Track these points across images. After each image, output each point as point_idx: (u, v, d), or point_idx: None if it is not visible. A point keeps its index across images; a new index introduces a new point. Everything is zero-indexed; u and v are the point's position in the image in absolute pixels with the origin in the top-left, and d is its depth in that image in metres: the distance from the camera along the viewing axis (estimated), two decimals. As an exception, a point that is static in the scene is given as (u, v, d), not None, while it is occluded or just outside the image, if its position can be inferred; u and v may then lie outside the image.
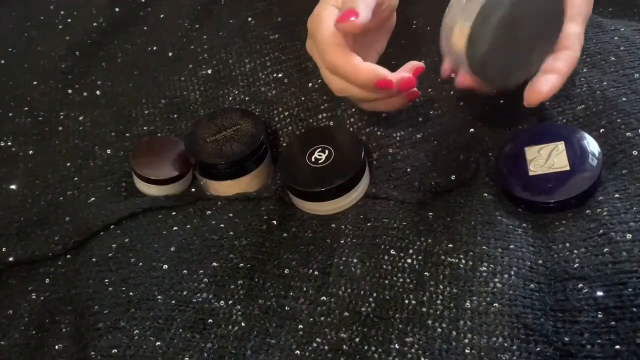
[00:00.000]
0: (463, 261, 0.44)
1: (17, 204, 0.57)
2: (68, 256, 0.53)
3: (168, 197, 0.56)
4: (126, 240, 0.52)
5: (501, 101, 0.54)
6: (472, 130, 0.53)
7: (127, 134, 0.61)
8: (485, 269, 0.43)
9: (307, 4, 0.64)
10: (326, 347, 0.43)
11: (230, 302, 0.46)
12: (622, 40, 0.54)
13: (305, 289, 0.46)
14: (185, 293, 0.47)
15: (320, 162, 0.51)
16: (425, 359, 0.41)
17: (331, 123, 0.56)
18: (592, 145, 0.47)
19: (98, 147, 0.61)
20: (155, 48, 0.68)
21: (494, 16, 0.43)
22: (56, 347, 0.47)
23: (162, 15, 0.71)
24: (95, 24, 0.70)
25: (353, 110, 0.56)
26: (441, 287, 0.43)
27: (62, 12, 0.73)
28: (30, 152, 0.61)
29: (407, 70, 0.48)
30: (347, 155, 0.51)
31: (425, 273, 0.44)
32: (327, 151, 0.52)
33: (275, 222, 0.51)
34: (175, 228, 0.53)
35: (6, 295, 0.52)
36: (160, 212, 0.54)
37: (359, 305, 0.44)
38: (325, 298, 0.45)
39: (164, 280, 0.48)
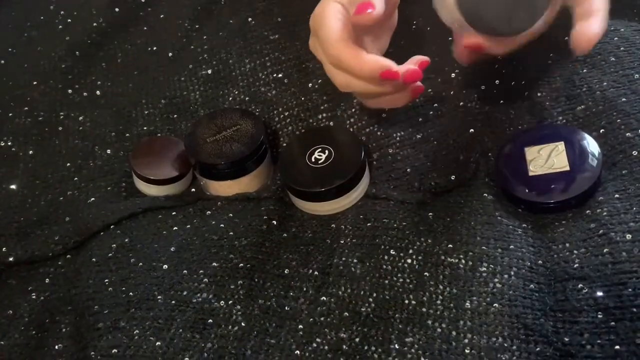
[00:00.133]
0: (463, 261, 0.44)
1: (17, 204, 0.57)
2: (68, 256, 0.53)
3: (168, 197, 0.56)
4: (126, 240, 0.52)
5: (501, 101, 0.54)
6: (472, 130, 0.53)
7: (127, 134, 0.61)
8: (485, 269, 0.43)
9: (307, 4, 0.64)
10: (326, 347, 0.43)
11: (230, 302, 0.46)
12: (622, 41, 0.54)
13: (305, 289, 0.46)
14: (185, 293, 0.47)
15: (320, 162, 0.51)
16: (425, 359, 0.41)
17: (331, 123, 0.56)
18: (592, 145, 0.47)
19: (98, 147, 0.61)
20: (155, 48, 0.68)
21: None
22: (56, 347, 0.47)
23: (162, 16, 0.71)
24: (95, 24, 0.70)
25: (353, 110, 0.56)
26: (441, 287, 0.43)
27: (62, 12, 0.73)
28: (30, 152, 0.61)
29: (413, 63, 0.48)
30: (347, 156, 0.51)
31: (425, 273, 0.44)
32: (327, 151, 0.52)
33: (275, 222, 0.51)
34: (175, 228, 0.53)
35: (6, 295, 0.52)
36: (160, 212, 0.54)
37: (359, 305, 0.44)
38: (325, 298, 0.45)
39: (164, 280, 0.48)
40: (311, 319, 0.45)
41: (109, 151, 0.60)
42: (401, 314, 0.43)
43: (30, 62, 0.69)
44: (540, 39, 0.47)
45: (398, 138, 0.54)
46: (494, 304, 0.41)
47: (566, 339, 0.40)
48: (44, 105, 0.64)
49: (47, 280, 0.52)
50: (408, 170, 0.52)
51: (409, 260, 0.46)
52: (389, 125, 0.54)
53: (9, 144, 0.62)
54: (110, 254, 0.51)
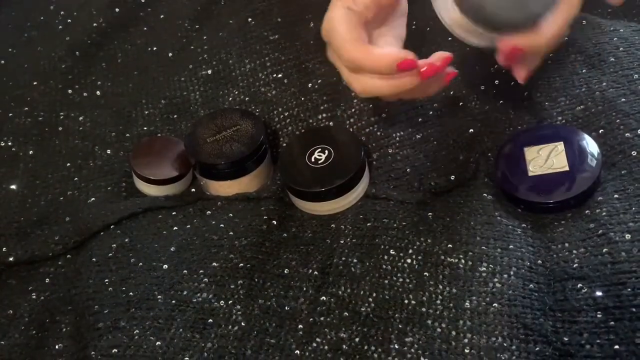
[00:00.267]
0: (462, 261, 0.44)
1: (17, 204, 0.57)
2: (68, 256, 0.53)
3: (168, 197, 0.56)
4: (126, 240, 0.52)
5: (501, 102, 0.54)
6: (471, 130, 0.53)
7: (127, 134, 0.61)
8: (484, 269, 0.43)
9: (306, 5, 0.64)
10: (326, 347, 0.43)
11: (230, 302, 0.46)
12: (621, 41, 0.54)
13: (305, 289, 0.46)
14: (185, 293, 0.47)
15: (320, 162, 0.51)
16: (424, 358, 0.41)
17: (331, 123, 0.56)
18: (591, 145, 0.47)
19: (98, 147, 0.61)
20: (155, 48, 0.68)
21: None
22: (56, 346, 0.47)
23: (162, 16, 0.71)
24: (95, 24, 0.70)
25: (353, 110, 0.56)
26: (441, 287, 0.43)
27: (62, 13, 0.73)
28: (30, 152, 0.61)
29: (435, 59, 0.46)
30: (347, 156, 0.51)
31: (425, 273, 0.44)
32: (326, 151, 0.52)
33: (275, 222, 0.51)
34: (175, 228, 0.53)
35: (6, 295, 0.52)
36: (160, 212, 0.54)
37: (359, 305, 0.44)
38: (325, 298, 0.45)
39: (164, 280, 0.48)
40: (311, 319, 0.45)
41: (109, 151, 0.60)
42: (401, 313, 0.43)
43: (30, 62, 0.69)
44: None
45: (398, 138, 0.54)
46: (494, 304, 0.41)
47: (565, 339, 0.40)
48: (44, 106, 0.64)
49: (47, 280, 0.52)
50: (408, 170, 0.52)
51: (409, 260, 0.46)
52: (388, 125, 0.54)
53: (9, 144, 0.62)
54: (110, 254, 0.51)
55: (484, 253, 0.44)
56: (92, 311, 0.47)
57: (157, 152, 0.57)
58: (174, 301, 0.46)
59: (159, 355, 0.43)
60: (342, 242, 0.48)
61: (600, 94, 0.51)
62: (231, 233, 0.50)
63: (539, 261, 0.44)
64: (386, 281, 0.45)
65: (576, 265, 0.43)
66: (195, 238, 0.51)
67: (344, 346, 0.43)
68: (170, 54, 0.66)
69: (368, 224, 0.49)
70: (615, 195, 0.45)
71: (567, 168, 0.47)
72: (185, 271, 0.48)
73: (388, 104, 0.55)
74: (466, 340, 0.40)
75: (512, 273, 0.43)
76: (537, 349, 0.40)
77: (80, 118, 0.63)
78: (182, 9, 0.70)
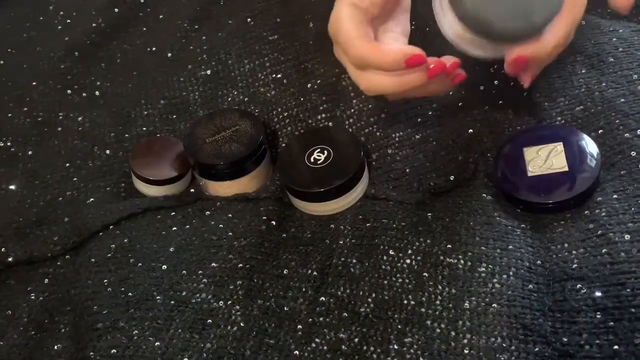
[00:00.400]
0: (462, 262, 0.44)
1: (16, 205, 0.57)
2: (67, 256, 0.53)
3: (167, 198, 0.56)
4: (125, 240, 0.52)
5: (500, 102, 0.54)
6: (471, 130, 0.53)
7: (126, 135, 0.61)
8: (484, 269, 0.43)
9: (305, 5, 0.64)
10: (325, 348, 0.43)
11: (229, 302, 0.46)
12: (621, 41, 0.54)
13: (304, 290, 0.46)
14: (184, 293, 0.47)
15: (319, 162, 0.51)
16: (424, 359, 0.41)
17: (330, 124, 0.56)
18: (590, 146, 0.47)
19: (97, 148, 0.61)
20: (154, 49, 0.68)
21: None
22: (55, 347, 0.47)
23: (161, 16, 0.71)
24: (94, 24, 0.70)
25: (352, 110, 0.56)
26: (440, 287, 0.43)
27: (61, 13, 0.73)
28: (30, 152, 0.61)
29: (445, 59, 0.46)
30: (346, 156, 0.51)
31: (424, 273, 0.44)
32: (326, 152, 0.52)
33: (274, 222, 0.51)
34: (175, 228, 0.53)
35: (5, 295, 0.52)
36: (159, 213, 0.54)
37: (358, 305, 0.44)
38: (324, 298, 0.45)
39: (163, 280, 0.48)
40: (310, 319, 0.45)
41: (108, 151, 0.60)
42: (400, 314, 0.43)
43: (29, 63, 0.69)
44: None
45: (397, 138, 0.54)
46: (493, 304, 0.41)
47: (565, 339, 0.40)
48: (43, 106, 0.64)
49: (46, 281, 0.52)
50: (407, 170, 0.52)
51: (408, 261, 0.46)
52: (388, 125, 0.54)
53: (8, 144, 0.62)
54: (109, 255, 0.51)
55: (483, 253, 0.44)
56: (91, 311, 0.47)
57: (156, 153, 0.57)
58: (173, 302, 0.46)
59: (158, 356, 0.43)
60: (341, 242, 0.48)
61: (600, 94, 0.51)
62: (230, 233, 0.50)
63: (538, 261, 0.44)
64: (385, 281, 0.45)
65: (575, 265, 0.43)
66: (194, 238, 0.51)
67: (343, 346, 0.43)
68: (169, 54, 0.66)
69: (367, 225, 0.49)
70: (615, 196, 0.45)
71: (566, 168, 0.47)
72: (184, 271, 0.48)
73: (387, 104, 0.55)
74: (465, 341, 0.40)
75: (511, 273, 0.43)
76: (537, 349, 0.40)
77: (80, 118, 0.63)
78: (181, 9, 0.70)
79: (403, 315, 0.43)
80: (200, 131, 0.55)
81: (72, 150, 0.61)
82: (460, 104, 0.54)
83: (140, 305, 0.46)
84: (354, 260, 0.47)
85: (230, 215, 0.53)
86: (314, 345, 0.43)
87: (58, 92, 0.65)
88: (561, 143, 0.48)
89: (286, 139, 0.57)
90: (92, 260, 0.50)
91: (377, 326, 0.43)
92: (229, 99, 0.61)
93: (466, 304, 0.42)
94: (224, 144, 0.54)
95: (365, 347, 0.42)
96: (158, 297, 0.47)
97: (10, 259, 0.53)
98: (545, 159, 0.48)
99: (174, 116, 0.61)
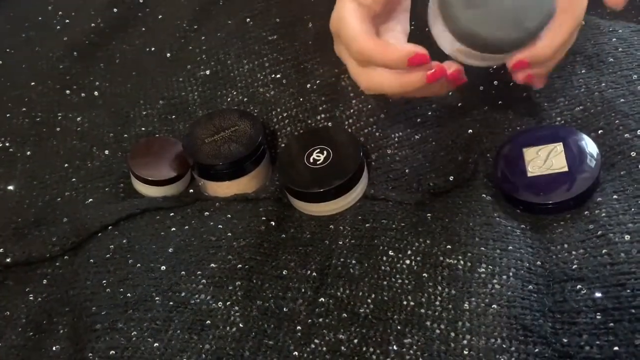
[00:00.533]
0: (461, 262, 0.44)
1: (15, 205, 0.57)
2: (66, 257, 0.53)
3: (166, 198, 0.55)
4: (124, 241, 0.52)
5: (500, 102, 0.54)
6: (470, 131, 0.53)
7: (125, 135, 0.61)
8: (483, 270, 0.43)
9: (305, 5, 0.64)
10: (324, 349, 0.43)
11: (228, 303, 0.46)
12: (620, 42, 0.54)
13: (303, 290, 0.46)
14: (183, 294, 0.46)
15: (318, 163, 0.51)
16: (423, 360, 0.41)
17: (329, 124, 0.56)
18: (590, 146, 0.47)
19: (96, 148, 0.60)
20: (153, 49, 0.68)
21: None
22: (54, 348, 0.47)
23: (160, 16, 0.71)
24: (93, 24, 0.70)
25: (351, 111, 0.56)
26: (440, 288, 0.43)
27: (60, 13, 0.73)
28: (28, 152, 0.61)
29: (447, 65, 0.46)
30: (346, 156, 0.51)
31: (424, 274, 0.44)
32: (325, 152, 0.52)
33: (273, 223, 0.51)
34: (174, 229, 0.53)
35: (3, 296, 0.51)
36: (158, 213, 0.54)
37: (357, 306, 0.44)
38: (323, 299, 0.45)
39: (162, 281, 0.48)
40: (309, 320, 0.44)
41: (106, 152, 0.60)
42: (400, 315, 0.43)
43: (28, 63, 0.68)
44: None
45: (396, 139, 0.54)
46: (493, 305, 0.41)
47: (565, 340, 0.40)
48: (42, 106, 0.64)
49: (44, 282, 0.52)
50: (406, 170, 0.52)
51: (408, 261, 0.45)
52: (387, 125, 0.54)
53: (7, 144, 0.62)
54: (108, 255, 0.50)
55: (483, 254, 0.44)
56: (89, 312, 0.47)
57: (155, 153, 0.57)
58: (171, 302, 0.46)
59: (156, 357, 0.43)
60: (340, 243, 0.48)
61: (599, 94, 0.51)
62: (229, 234, 0.50)
63: (538, 262, 0.44)
64: (385, 282, 0.45)
65: (575, 266, 0.42)
66: (193, 239, 0.51)
67: (343, 347, 0.43)
68: (168, 55, 0.66)
69: (367, 225, 0.49)
70: (615, 196, 0.45)
71: (566, 169, 0.47)
72: (183, 272, 0.48)
73: (387, 105, 0.55)
74: (465, 342, 0.40)
75: (511, 274, 0.43)
76: (537, 350, 0.40)
77: (78, 119, 0.63)
78: (180, 9, 0.70)
79: (402, 316, 0.43)
80: (200, 131, 0.55)
81: (70, 150, 0.61)
82: (459, 104, 0.54)
83: (139, 306, 0.46)
84: (354, 261, 0.47)
85: (229, 215, 0.53)
86: (313, 346, 0.43)
87: (57, 92, 0.65)
88: (561, 143, 0.48)
89: (285, 139, 0.57)
90: (91, 260, 0.50)
91: (377, 327, 0.43)
92: (228, 99, 0.60)
93: (466, 305, 0.42)
94: (223, 144, 0.54)
95: (364, 348, 0.42)
96: (157, 298, 0.46)
97: (8, 260, 0.53)
98: (545, 160, 0.48)
99: (173, 116, 0.61)
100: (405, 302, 0.43)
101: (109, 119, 0.62)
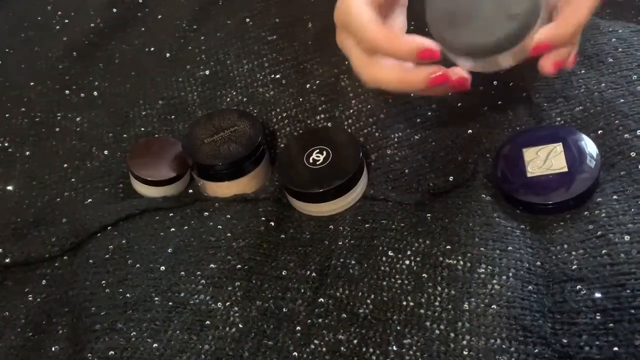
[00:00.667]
0: (461, 263, 0.44)
1: (14, 205, 0.57)
2: (65, 257, 0.53)
3: (165, 198, 0.55)
4: (123, 241, 0.51)
5: (499, 102, 0.54)
6: (470, 131, 0.53)
7: (125, 135, 0.61)
8: (483, 270, 0.43)
9: (305, 5, 0.64)
10: (324, 349, 0.43)
11: (227, 303, 0.46)
12: (620, 42, 0.54)
13: (302, 291, 0.46)
14: (182, 294, 0.46)
15: (318, 163, 0.51)
16: (423, 360, 0.40)
17: (329, 124, 0.56)
18: (590, 146, 0.47)
19: (95, 148, 0.60)
20: (152, 49, 0.68)
21: None
22: (53, 348, 0.47)
23: (159, 16, 0.71)
24: (92, 24, 0.70)
25: (351, 111, 0.56)
26: (439, 288, 0.43)
27: (59, 13, 0.73)
28: (27, 152, 0.61)
29: (452, 72, 0.45)
30: (345, 157, 0.51)
31: (423, 275, 0.44)
32: (325, 152, 0.52)
33: (273, 223, 0.51)
34: (173, 229, 0.53)
35: (2, 296, 0.51)
36: (157, 214, 0.54)
37: (357, 306, 0.44)
38: (322, 300, 0.45)
39: (161, 281, 0.48)
40: (309, 321, 0.44)
41: (106, 152, 0.60)
42: (399, 315, 0.43)
43: (27, 63, 0.68)
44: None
45: (396, 139, 0.54)
46: (492, 306, 0.41)
47: (564, 341, 0.40)
48: (41, 106, 0.64)
49: (43, 282, 0.52)
50: (406, 171, 0.52)
51: (407, 262, 0.45)
52: (387, 126, 0.54)
53: (6, 144, 0.62)
54: (107, 255, 0.50)
55: (483, 254, 0.44)
56: (88, 313, 0.46)
57: (155, 153, 0.57)
58: (171, 303, 0.46)
59: (156, 357, 0.43)
60: (340, 243, 0.48)
61: (599, 94, 0.51)
62: (229, 234, 0.50)
63: (538, 263, 0.44)
64: (384, 283, 0.45)
65: (575, 266, 0.42)
66: (192, 239, 0.51)
67: (342, 348, 0.43)
68: (167, 55, 0.66)
69: (366, 225, 0.49)
70: (614, 197, 0.45)
71: (566, 169, 0.47)
72: (182, 273, 0.48)
73: (387, 105, 0.55)
74: (465, 342, 0.40)
75: (510, 275, 0.43)
76: (536, 350, 0.39)
77: (78, 119, 0.63)
78: (180, 9, 0.70)
79: (402, 317, 0.43)
80: (199, 131, 0.55)
81: (70, 150, 0.61)
82: (459, 104, 0.54)
83: (138, 306, 0.46)
84: (353, 261, 0.46)
85: (228, 216, 0.53)
86: (312, 346, 0.43)
87: (56, 93, 0.65)
88: (561, 144, 0.48)
89: (285, 140, 0.57)
90: (90, 261, 0.50)
91: (376, 327, 0.43)
92: (228, 99, 0.60)
93: (465, 305, 0.42)
94: (223, 145, 0.54)
95: (364, 349, 0.42)
96: (156, 299, 0.46)
97: (7, 260, 0.53)
98: (544, 160, 0.48)
99: (173, 116, 0.61)
100: (404, 303, 0.43)
101: (108, 119, 0.62)
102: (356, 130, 0.55)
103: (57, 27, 0.72)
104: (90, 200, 0.56)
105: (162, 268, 0.49)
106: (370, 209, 0.50)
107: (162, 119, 0.61)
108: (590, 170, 0.46)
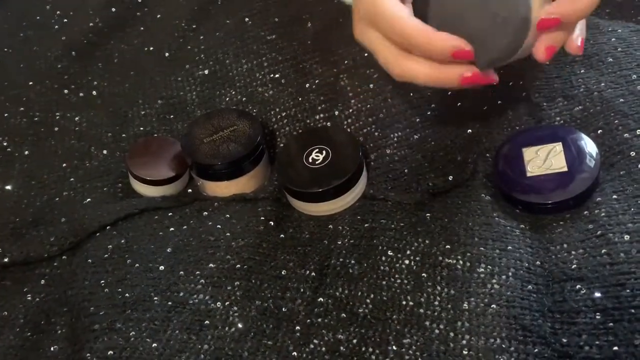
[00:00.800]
0: (461, 262, 0.44)
1: (13, 205, 0.57)
2: (64, 257, 0.53)
3: (164, 198, 0.55)
4: (122, 241, 0.51)
5: (499, 102, 0.54)
6: (469, 131, 0.53)
7: (124, 135, 0.61)
8: (482, 270, 0.43)
9: (304, 4, 0.64)
10: (323, 349, 0.43)
11: (227, 303, 0.45)
12: (620, 42, 0.54)
13: (302, 290, 0.46)
14: (181, 294, 0.46)
15: (317, 162, 0.51)
16: (422, 360, 0.40)
17: (328, 124, 0.56)
18: (589, 146, 0.47)
19: (94, 148, 0.60)
20: (151, 48, 0.67)
21: None
22: (51, 348, 0.47)
23: (158, 16, 0.70)
24: (91, 24, 0.70)
25: (350, 111, 0.55)
26: (439, 288, 0.43)
27: (58, 12, 0.73)
28: (26, 152, 0.61)
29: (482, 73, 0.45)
30: (345, 156, 0.51)
31: (423, 274, 0.44)
32: (324, 152, 0.52)
33: (272, 223, 0.51)
34: (172, 229, 0.52)
35: (1, 296, 0.51)
36: (156, 213, 0.54)
37: (356, 306, 0.44)
38: (322, 299, 0.45)
39: (160, 281, 0.48)
40: (308, 320, 0.44)
41: (105, 151, 0.60)
42: (399, 315, 0.43)
43: (26, 62, 0.68)
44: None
45: (395, 139, 0.54)
46: (492, 305, 0.41)
47: (564, 340, 0.40)
48: (40, 106, 0.64)
49: (42, 282, 0.52)
50: (406, 170, 0.52)
51: (407, 261, 0.45)
52: (386, 125, 0.54)
53: (5, 144, 0.62)
54: (106, 255, 0.50)
55: (482, 254, 0.44)
56: (87, 313, 0.46)
57: (154, 153, 0.57)
58: (170, 302, 0.46)
59: (155, 357, 0.43)
60: (339, 243, 0.48)
61: (599, 94, 0.51)
62: (228, 234, 0.50)
63: (538, 262, 0.44)
64: (384, 282, 0.45)
65: (575, 266, 0.42)
66: (191, 239, 0.51)
67: (342, 348, 0.43)
68: (167, 54, 0.66)
69: (366, 225, 0.49)
70: (614, 196, 0.45)
71: (565, 169, 0.47)
72: (181, 272, 0.48)
73: (386, 104, 0.55)
74: (464, 342, 0.40)
75: (510, 274, 0.42)
76: (536, 350, 0.39)
77: (77, 118, 0.63)
78: (179, 9, 0.70)
79: (402, 316, 0.43)
80: (198, 131, 0.55)
81: (69, 150, 0.60)
82: (459, 104, 0.54)
83: (137, 306, 0.46)
84: (353, 261, 0.46)
85: (228, 215, 0.52)
86: (312, 346, 0.43)
87: (55, 92, 0.65)
88: (560, 143, 0.48)
89: (284, 139, 0.57)
90: (89, 260, 0.50)
91: (376, 327, 0.43)
92: (227, 98, 0.60)
93: (465, 305, 0.42)
94: (222, 144, 0.54)
95: (363, 348, 0.42)
96: (155, 298, 0.46)
97: (6, 260, 0.53)
98: (544, 159, 0.48)
99: (172, 116, 0.61)
100: (404, 302, 0.43)
101: (107, 119, 0.62)
102: (355, 130, 0.55)
103: (56, 26, 0.72)
104: (89, 199, 0.56)
105: (161, 268, 0.49)
106: (369, 209, 0.50)
107: (161, 119, 0.61)
108: (590, 169, 0.46)
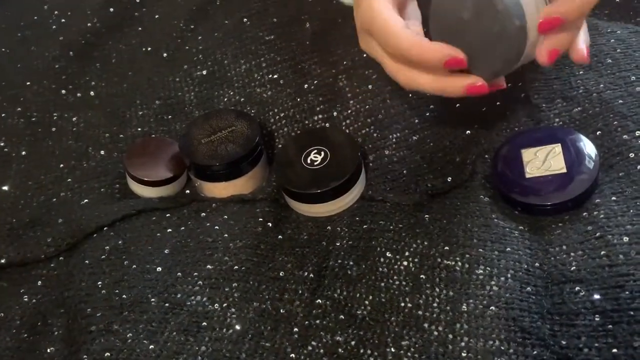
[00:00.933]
0: (459, 264, 0.44)
1: (10, 205, 0.57)
2: (61, 258, 0.53)
3: (162, 199, 0.55)
4: (119, 242, 0.51)
5: (498, 103, 0.54)
6: (468, 132, 0.53)
7: (121, 135, 0.61)
8: (481, 271, 0.43)
9: (302, 5, 0.64)
10: (321, 351, 0.43)
11: (224, 304, 0.45)
12: (619, 43, 0.54)
13: (300, 292, 0.46)
14: (179, 296, 0.46)
15: (316, 163, 0.51)
16: (421, 362, 0.40)
17: (327, 124, 0.56)
18: (588, 147, 0.47)
19: (92, 148, 0.60)
20: (149, 49, 0.67)
21: None
22: (48, 350, 0.47)
23: (157, 16, 0.70)
24: (89, 24, 0.70)
25: (349, 111, 0.55)
26: (437, 290, 0.43)
27: (56, 12, 0.73)
28: (23, 152, 0.61)
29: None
30: (343, 157, 0.51)
31: (422, 276, 0.44)
32: (323, 153, 0.52)
33: (270, 224, 0.51)
34: (170, 230, 0.52)
35: (-2, 297, 0.51)
36: (154, 214, 0.54)
37: (355, 308, 0.44)
38: (320, 301, 0.45)
39: (157, 282, 0.47)
40: (306, 322, 0.44)
41: (102, 152, 0.60)
42: (397, 316, 0.43)
43: (23, 63, 0.68)
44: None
45: (394, 140, 0.54)
46: (491, 307, 0.41)
47: (563, 342, 0.40)
48: (38, 106, 0.64)
49: (39, 283, 0.51)
50: (404, 171, 0.52)
51: (405, 263, 0.45)
52: (385, 126, 0.54)
53: (2, 144, 0.62)
54: (103, 256, 0.50)
55: (481, 255, 0.44)
56: (84, 314, 0.46)
57: (151, 153, 0.57)
58: (167, 304, 0.46)
59: (152, 359, 0.43)
60: (338, 244, 0.48)
61: (598, 95, 0.51)
62: (226, 235, 0.50)
63: (537, 264, 0.44)
64: (382, 284, 0.45)
65: (574, 268, 0.42)
66: (189, 240, 0.51)
67: (340, 349, 0.42)
68: (165, 55, 0.66)
69: (364, 226, 0.49)
70: (613, 198, 0.45)
71: (564, 170, 0.47)
72: (179, 274, 0.48)
73: (385, 105, 0.55)
74: (463, 344, 0.40)
75: (509, 276, 0.42)
76: (535, 352, 0.39)
77: (74, 119, 0.63)
78: (177, 9, 0.69)
79: (400, 318, 0.43)
80: (196, 132, 0.55)
81: (66, 150, 0.60)
82: (457, 105, 0.54)
83: (135, 307, 0.46)
84: (351, 263, 0.46)
85: (225, 216, 0.52)
86: (310, 348, 0.43)
87: (52, 92, 0.65)
88: (559, 144, 0.48)
89: (282, 140, 0.57)
90: (86, 262, 0.50)
91: (374, 329, 0.43)
92: (225, 99, 0.60)
93: (464, 307, 0.42)
94: (220, 145, 0.54)
95: (362, 350, 0.42)
96: (152, 300, 0.46)
97: (3, 261, 0.52)
98: (543, 161, 0.48)
99: (170, 116, 0.61)
100: (402, 304, 0.43)
101: (104, 119, 0.62)
102: (354, 131, 0.55)
103: (54, 26, 0.71)
104: (86, 200, 0.56)
105: (159, 269, 0.48)
106: (368, 210, 0.50)
107: (159, 119, 0.61)
108: (589, 171, 0.46)
